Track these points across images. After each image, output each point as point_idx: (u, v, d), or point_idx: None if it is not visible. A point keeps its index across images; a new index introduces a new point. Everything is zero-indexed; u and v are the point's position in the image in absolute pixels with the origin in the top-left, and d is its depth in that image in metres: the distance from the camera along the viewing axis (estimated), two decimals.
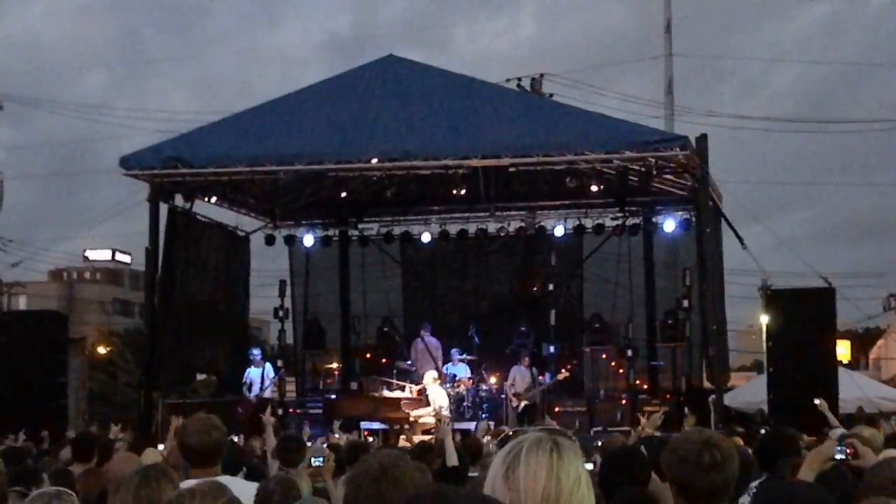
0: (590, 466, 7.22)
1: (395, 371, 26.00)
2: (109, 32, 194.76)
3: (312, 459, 8.93)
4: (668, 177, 24.44)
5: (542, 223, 28.21)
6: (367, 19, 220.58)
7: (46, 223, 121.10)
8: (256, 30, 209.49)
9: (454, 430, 15.91)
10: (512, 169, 23.08)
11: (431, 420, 22.50)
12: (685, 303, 25.14)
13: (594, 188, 24.52)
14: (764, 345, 24.28)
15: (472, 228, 28.55)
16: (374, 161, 23.00)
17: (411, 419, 23.10)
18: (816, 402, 13.47)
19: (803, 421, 14.29)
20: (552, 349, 26.03)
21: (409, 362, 26.50)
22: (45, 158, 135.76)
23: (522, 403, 24.73)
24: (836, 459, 6.62)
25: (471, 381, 24.93)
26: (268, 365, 25.74)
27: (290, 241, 29.34)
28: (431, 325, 27.25)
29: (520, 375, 24.92)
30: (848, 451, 6.59)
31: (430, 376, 24.09)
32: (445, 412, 22.67)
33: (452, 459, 9.45)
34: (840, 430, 10.82)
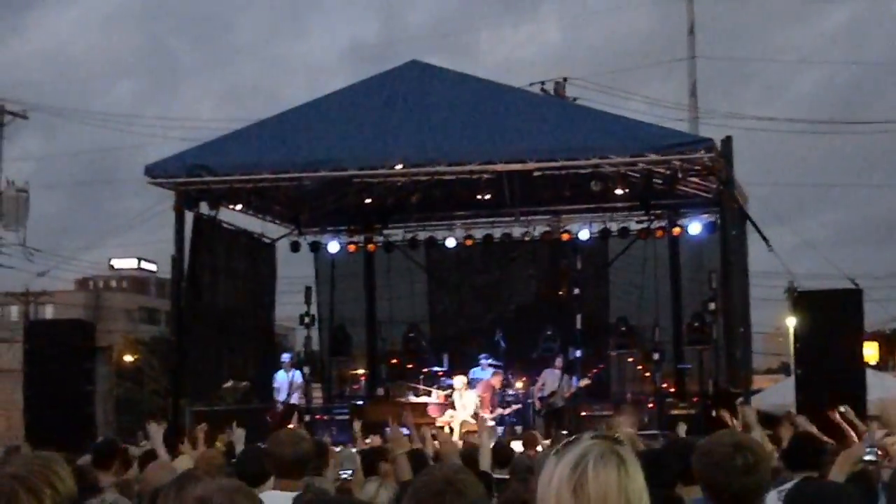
0: None
1: (421, 376, 26.03)
2: (137, 43, 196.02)
3: (341, 472, 8.86)
4: (694, 179, 24.40)
5: (567, 227, 28.12)
6: (392, 27, 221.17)
7: (73, 232, 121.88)
8: (283, 39, 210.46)
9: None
10: (536, 173, 23.05)
11: (470, 420, 22.52)
12: (711, 305, 25.09)
13: (619, 192, 24.45)
14: (791, 347, 24.19)
15: (497, 233, 28.50)
16: (399, 167, 23.00)
17: (438, 424, 23.09)
18: (842, 409, 13.38)
19: (830, 423, 14.19)
20: (578, 353, 25.99)
21: (435, 368, 26.53)
22: (72, 168, 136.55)
23: (545, 408, 24.75)
24: (866, 461, 6.59)
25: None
26: (296, 372, 25.78)
27: (316, 247, 29.32)
28: (460, 331, 27.33)
29: (551, 379, 24.91)
30: (879, 452, 6.56)
31: (460, 381, 24.10)
32: (473, 419, 22.71)
33: (486, 463, 9.41)
34: (872, 432, 10.76)
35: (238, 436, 12.64)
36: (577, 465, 3.31)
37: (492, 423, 23.45)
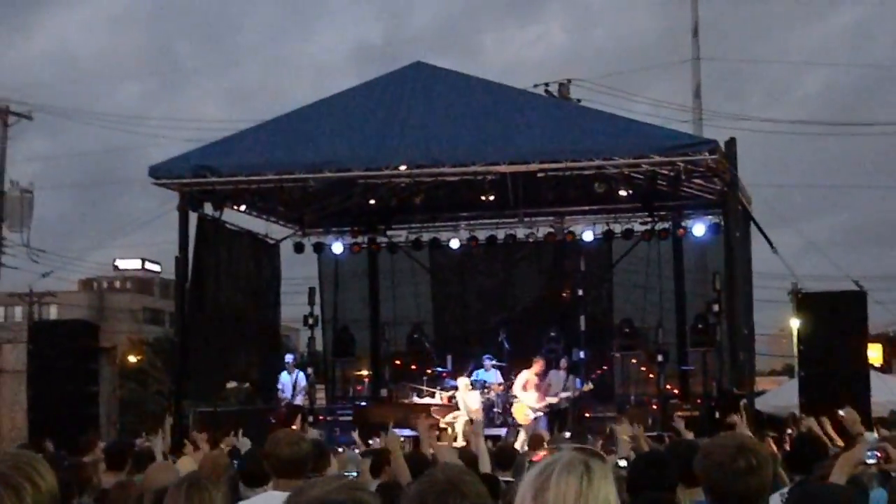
0: (623, 463, 7.21)
1: (424, 377, 26.03)
2: (143, 44, 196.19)
3: (347, 474, 8.83)
4: (697, 181, 24.38)
5: (570, 228, 28.12)
6: (397, 28, 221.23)
7: (77, 233, 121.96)
8: (288, 40, 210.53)
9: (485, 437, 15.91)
10: (540, 174, 23.03)
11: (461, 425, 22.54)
12: (715, 307, 25.07)
13: (623, 193, 24.45)
14: (795, 348, 24.17)
15: (500, 234, 28.46)
16: (403, 168, 23.00)
17: (442, 426, 23.11)
18: (841, 413, 13.38)
19: (835, 426, 14.19)
20: (582, 355, 25.99)
21: (439, 369, 26.53)
22: (76, 169, 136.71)
23: (546, 408, 24.74)
24: (866, 463, 6.59)
25: (501, 386, 24.91)
26: (299, 372, 25.81)
27: (319, 248, 29.32)
28: (464, 332, 27.30)
29: (555, 380, 24.90)
30: (879, 454, 6.55)
31: (462, 382, 24.12)
32: (476, 416, 22.73)
33: (486, 465, 9.37)
34: (873, 435, 10.77)
35: (244, 444, 12.67)
36: (542, 472, 3.35)
37: (540, 414, 23.64)
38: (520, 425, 23.59)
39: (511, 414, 24.28)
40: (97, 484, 9.76)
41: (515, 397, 24.07)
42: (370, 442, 15.90)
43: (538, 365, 24.34)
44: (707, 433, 15.35)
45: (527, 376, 24.13)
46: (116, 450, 10.94)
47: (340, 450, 14.63)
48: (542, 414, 23.89)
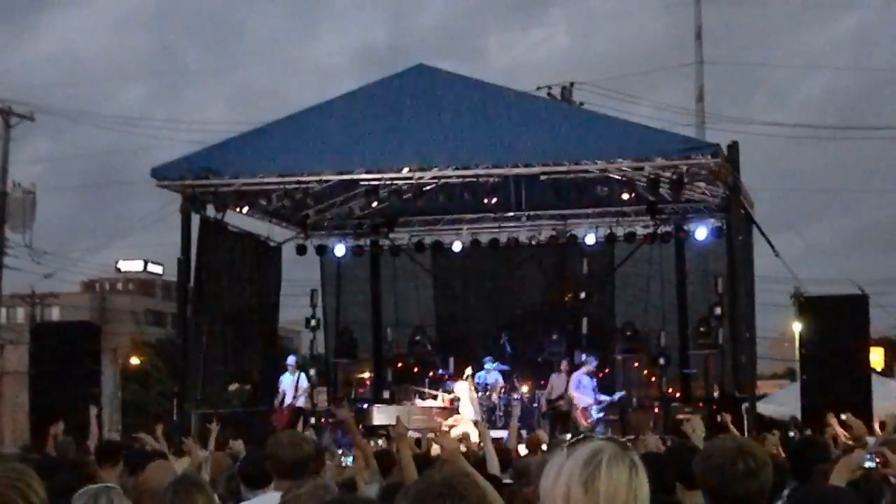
0: None
1: (426, 380, 26.02)
2: (146, 46, 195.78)
3: (342, 459, 8.83)
4: (700, 184, 24.39)
5: (573, 231, 28.11)
6: (401, 31, 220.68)
7: (80, 234, 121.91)
8: (292, 42, 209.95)
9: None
10: (543, 177, 23.05)
11: (466, 428, 22.50)
12: (717, 310, 25.07)
13: (625, 196, 24.44)
14: (797, 352, 24.17)
15: (503, 237, 28.45)
16: (405, 170, 23.01)
17: (444, 428, 23.08)
18: (843, 417, 13.40)
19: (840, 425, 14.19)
20: (584, 357, 25.98)
21: (441, 372, 26.53)
22: (79, 170, 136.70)
23: (549, 408, 24.72)
24: (865, 468, 6.58)
25: (503, 389, 24.92)
26: (301, 374, 25.79)
27: (322, 250, 29.34)
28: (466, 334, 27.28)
29: (558, 383, 24.87)
30: (878, 459, 6.54)
31: (461, 387, 24.10)
32: (476, 416, 22.73)
33: (494, 466, 9.36)
34: (871, 439, 10.76)
35: (237, 449, 12.65)
36: (589, 461, 3.35)
37: (601, 414, 23.63)
38: (583, 425, 23.57)
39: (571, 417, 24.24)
40: (99, 482, 9.77)
41: (572, 398, 24.05)
42: (370, 443, 15.91)
43: (587, 365, 24.40)
44: (708, 437, 15.34)
45: (579, 377, 24.13)
46: (110, 448, 10.95)
47: (341, 451, 14.63)
48: (602, 413, 23.94)
